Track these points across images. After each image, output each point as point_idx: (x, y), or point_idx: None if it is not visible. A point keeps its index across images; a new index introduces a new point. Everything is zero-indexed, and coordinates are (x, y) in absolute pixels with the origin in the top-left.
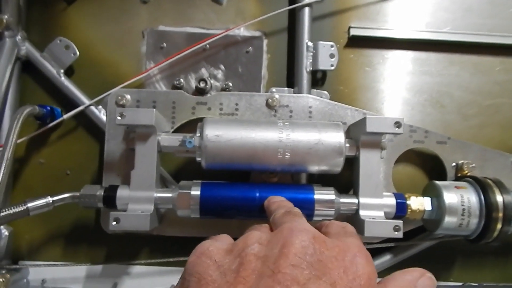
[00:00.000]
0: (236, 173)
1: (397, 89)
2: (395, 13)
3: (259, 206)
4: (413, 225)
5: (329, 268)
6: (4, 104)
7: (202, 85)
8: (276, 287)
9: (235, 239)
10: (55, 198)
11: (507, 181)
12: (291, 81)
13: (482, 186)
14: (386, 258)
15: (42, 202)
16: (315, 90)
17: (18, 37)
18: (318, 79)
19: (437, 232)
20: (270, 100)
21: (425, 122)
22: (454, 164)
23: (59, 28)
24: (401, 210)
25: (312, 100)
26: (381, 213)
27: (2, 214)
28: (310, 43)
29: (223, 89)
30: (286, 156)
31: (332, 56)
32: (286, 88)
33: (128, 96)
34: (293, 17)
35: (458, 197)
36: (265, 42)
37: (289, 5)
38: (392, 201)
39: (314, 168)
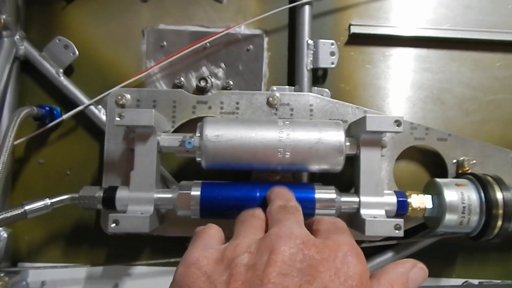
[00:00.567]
0: (238, 171)
1: (398, 86)
2: (396, 10)
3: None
4: (414, 222)
5: (320, 272)
6: (2, 104)
7: (202, 84)
8: None
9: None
10: (54, 200)
11: (508, 177)
12: (292, 79)
13: (482, 183)
14: (388, 256)
15: (40, 204)
16: (316, 88)
17: (17, 37)
18: (319, 77)
19: (438, 230)
20: (271, 99)
21: (427, 118)
22: (455, 160)
23: (58, 27)
24: (402, 208)
25: (313, 98)
26: (382, 212)
27: None
28: (310, 41)
29: (224, 88)
30: (287, 155)
31: (332, 54)
32: (287, 86)
33: (128, 96)
34: (294, 15)
35: (458, 195)
36: (265, 40)
37: (290, 3)
38: (393, 199)
39: (315, 167)
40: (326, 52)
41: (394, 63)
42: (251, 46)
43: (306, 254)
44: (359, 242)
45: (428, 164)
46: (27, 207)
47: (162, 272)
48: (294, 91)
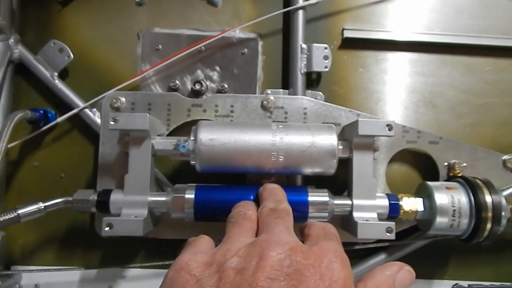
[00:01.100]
0: (233, 174)
1: (390, 90)
2: (388, 15)
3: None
4: (407, 224)
5: (306, 277)
6: None
7: (197, 87)
8: None
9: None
10: (47, 203)
11: (498, 179)
12: (286, 83)
13: (472, 186)
14: (381, 258)
15: (34, 208)
16: (310, 91)
17: (11, 40)
18: (313, 80)
19: (430, 232)
20: (265, 102)
21: (419, 122)
22: (446, 163)
23: (53, 31)
24: (394, 211)
25: (307, 101)
26: (374, 215)
27: None
28: (304, 45)
29: (219, 91)
30: (280, 159)
31: (326, 58)
32: (281, 90)
33: (123, 99)
34: (288, 19)
35: (448, 198)
36: (260, 44)
37: (284, 7)
38: (385, 202)
39: (308, 171)
40: (319, 56)
41: (386, 67)
42: (246, 49)
43: (293, 259)
44: (351, 244)
45: (420, 166)
46: (20, 211)
47: (157, 274)
48: (288, 94)
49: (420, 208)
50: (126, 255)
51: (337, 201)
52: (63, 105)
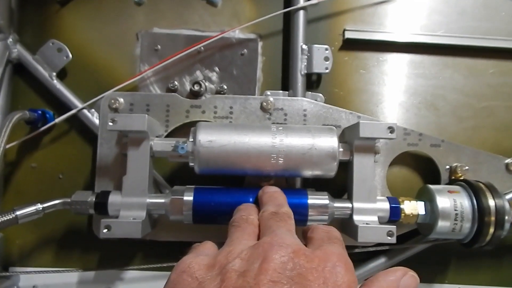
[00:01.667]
0: (232, 176)
1: (392, 92)
2: (390, 16)
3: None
4: (407, 228)
5: (309, 281)
6: None
7: (196, 88)
8: None
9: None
10: (45, 205)
11: (500, 183)
12: (286, 84)
13: (474, 190)
14: (381, 261)
15: (32, 209)
16: (310, 92)
17: (10, 40)
18: (313, 82)
19: (431, 236)
20: (265, 103)
21: (420, 124)
22: (447, 167)
23: (52, 30)
24: (394, 214)
25: (307, 103)
26: (375, 218)
27: None
28: (304, 46)
29: (218, 92)
30: (280, 161)
31: (326, 59)
32: (281, 91)
33: (122, 99)
34: (288, 20)
35: (451, 202)
36: (260, 44)
37: (284, 8)
38: (385, 205)
39: (308, 173)
40: (320, 57)
41: (388, 69)
42: (245, 50)
43: (296, 262)
44: (351, 248)
45: (421, 170)
46: (18, 212)
47: (155, 276)
48: (288, 96)
49: (422, 211)
50: (123, 257)
51: (337, 204)
52: (61, 106)
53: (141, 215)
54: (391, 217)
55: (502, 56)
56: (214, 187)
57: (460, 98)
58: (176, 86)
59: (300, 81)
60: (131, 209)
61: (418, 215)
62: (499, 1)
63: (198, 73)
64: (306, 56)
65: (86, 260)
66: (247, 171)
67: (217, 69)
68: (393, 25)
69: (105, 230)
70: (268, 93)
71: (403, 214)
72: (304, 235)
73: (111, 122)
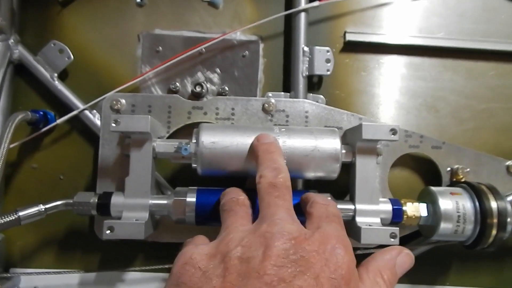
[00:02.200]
0: (234, 177)
1: (392, 94)
2: (390, 18)
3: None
4: (408, 230)
5: (312, 263)
6: None
7: (198, 89)
8: None
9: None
10: (48, 206)
11: (501, 185)
12: (287, 86)
13: (476, 192)
14: None
15: (34, 210)
16: (311, 94)
17: (11, 40)
18: (315, 84)
19: (433, 238)
20: (267, 105)
21: (420, 126)
22: (449, 168)
23: (53, 31)
24: (397, 216)
25: (308, 105)
26: (377, 220)
27: None
28: (306, 48)
29: (219, 93)
30: None
31: (328, 61)
32: (283, 93)
33: (123, 101)
34: (290, 22)
35: (453, 204)
36: (261, 46)
37: (286, 10)
38: (388, 207)
39: (310, 175)
40: (321, 59)
41: (388, 71)
42: (246, 52)
43: (298, 247)
44: (353, 249)
45: (422, 171)
46: (21, 213)
47: (156, 278)
48: (290, 97)
49: (424, 213)
50: (125, 259)
51: (339, 206)
52: (63, 107)
53: (144, 216)
54: (394, 219)
55: (502, 59)
56: (216, 188)
57: (460, 100)
58: (177, 88)
59: (301, 83)
60: (133, 210)
61: (420, 217)
62: (499, 3)
63: (199, 74)
64: (307, 58)
65: (87, 261)
66: (250, 173)
67: (218, 70)
68: (393, 28)
69: (108, 231)
70: (270, 94)
71: (405, 216)
72: (303, 206)
73: (114, 123)
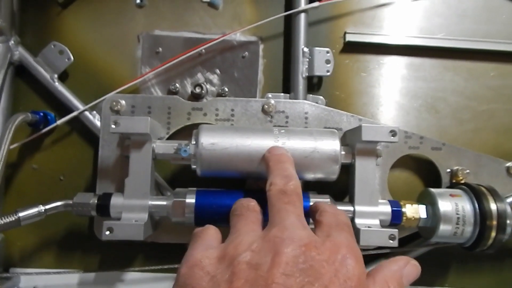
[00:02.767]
0: (233, 178)
1: (392, 94)
2: (390, 18)
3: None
4: (408, 231)
5: (321, 273)
6: None
7: (198, 90)
8: None
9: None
10: (47, 206)
11: (501, 187)
12: (287, 87)
13: (476, 194)
14: None
15: (34, 211)
16: (311, 95)
17: (11, 42)
18: (314, 84)
19: (432, 240)
20: (266, 106)
21: (421, 127)
22: (448, 170)
23: (54, 33)
24: (396, 218)
25: (308, 106)
26: (377, 221)
27: None
28: (306, 49)
29: (219, 94)
30: None
31: (328, 62)
32: (282, 94)
33: (123, 102)
34: (289, 23)
35: (452, 205)
36: (261, 47)
37: (285, 10)
38: (387, 209)
39: (310, 176)
40: (321, 60)
41: (388, 72)
42: (246, 53)
43: (307, 255)
44: None
45: (422, 173)
46: (21, 214)
47: (155, 278)
48: (289, 98)
49: (423, 215)
50: (124, 259)
51: (339, 207)
52: (63, 108)
53: (143, 217)
54: (393, 221)
55: (503, 59)
56: (215, 190)
57: (461, 101)
58: (177, 89)
59: (301, 84)
60: (133, 211)
61: (419, 218)
62: (500, 3)
63: (199, 75)
64: (307, 59)
65: (87, 261)
66: (249, 174)
67: (218, 71)
68: (393, 28)
69: (107, 232)
70: (270, 95)
71: (404, 218)
72: (312, 215)
73: (114, 125)
